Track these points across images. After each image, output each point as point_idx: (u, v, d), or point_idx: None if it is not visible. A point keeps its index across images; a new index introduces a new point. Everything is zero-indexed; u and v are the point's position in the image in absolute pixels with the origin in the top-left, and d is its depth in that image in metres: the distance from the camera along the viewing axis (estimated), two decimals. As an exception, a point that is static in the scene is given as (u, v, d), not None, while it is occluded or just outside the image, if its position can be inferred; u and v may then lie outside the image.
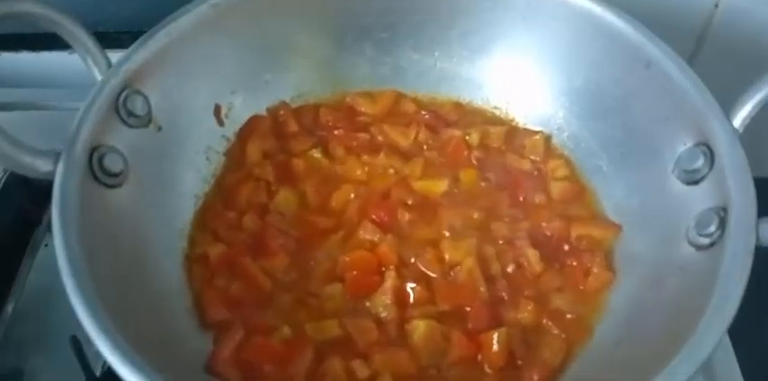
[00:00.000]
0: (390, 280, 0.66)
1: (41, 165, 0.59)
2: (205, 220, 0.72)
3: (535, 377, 0.62)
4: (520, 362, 0.63)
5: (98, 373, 0.67)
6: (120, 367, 0.50)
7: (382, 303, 0.65)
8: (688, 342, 0.51)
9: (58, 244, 0.55)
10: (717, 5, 0.88)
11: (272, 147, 0.76)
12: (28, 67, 0.96)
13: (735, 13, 0.88)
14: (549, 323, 0.66)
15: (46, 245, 0.81)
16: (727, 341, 0.71)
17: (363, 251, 0.69)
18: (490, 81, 0.81)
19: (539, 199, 0.74)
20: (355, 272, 0.67)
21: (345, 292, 0.67)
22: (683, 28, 0.90)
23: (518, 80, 0.80)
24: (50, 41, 0.89)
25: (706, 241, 0.59)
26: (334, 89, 0.82)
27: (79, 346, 0.68)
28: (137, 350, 0.51)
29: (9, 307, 0.74)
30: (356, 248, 0.69)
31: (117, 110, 0.65)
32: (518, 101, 0.81)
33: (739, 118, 0.62)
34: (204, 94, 0.74)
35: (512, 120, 0.81)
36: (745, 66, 0.68)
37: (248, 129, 0.77)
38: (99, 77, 0.66)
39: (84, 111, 0.62)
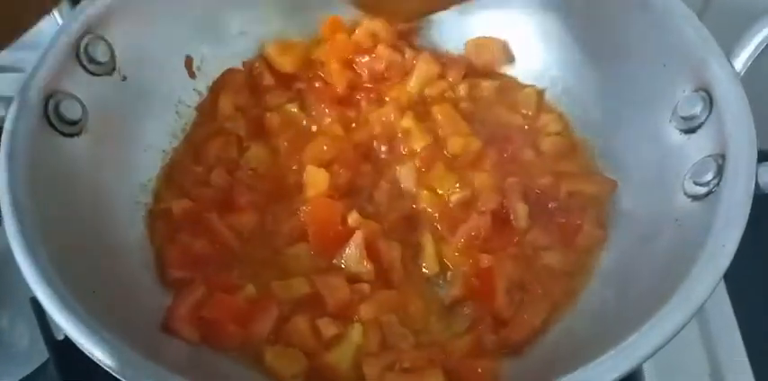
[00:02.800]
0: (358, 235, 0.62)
1: (-9, 108, 0.57)
2: (172, 175, 0.68)
3: (514, 337, 0.59)
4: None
5: (60, 337, 0.64)
6: (63, 320, 0.48)
7: (354, 258, 0.61)
8: (680, 290, 0.48)
9: (2, 188, 0.52)
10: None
11: (246, 102, 0.73)
12: None
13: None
14: (535, 283, 0.62)
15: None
16: (723, 291, 0.68)
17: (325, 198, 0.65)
18: (482, 31, 0.77)
19: (528, 154, 0.70)
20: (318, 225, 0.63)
21: (312, 249, 0.63)
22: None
23: (510, 31, 0.75)
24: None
25: (703, 190, 0.55)
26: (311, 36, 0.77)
27: (39, 307, 0.64)
28: (86, 308, 0.49)
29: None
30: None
31: (77, 56, 0.62)
32: (509, 54, 0.76)
33: (741, 59, 0.58)
34: (173, 44, 0.71)
35: (503, 74, 0.77)
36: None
37: (221, 83, 0.74)
38: (60, 21, 0.63)
39: (42, 56, 0.60)
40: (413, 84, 0.73)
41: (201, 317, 0.58)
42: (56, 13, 0.64)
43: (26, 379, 0.65)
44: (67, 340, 0.61)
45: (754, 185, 0.52)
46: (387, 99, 0.73)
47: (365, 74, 0.73)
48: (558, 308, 0.61)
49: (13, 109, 0.56)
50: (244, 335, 0.58)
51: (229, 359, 0.58)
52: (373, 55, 0.73)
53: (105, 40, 0.64)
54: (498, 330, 0.59)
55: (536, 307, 0.60)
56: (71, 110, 0.60)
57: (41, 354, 0.65)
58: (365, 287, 0.61)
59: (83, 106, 0.61)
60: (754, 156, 0.53)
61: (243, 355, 0.58)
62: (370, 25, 0.73)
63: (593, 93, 0.71)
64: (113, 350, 0.47)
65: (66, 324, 0.48)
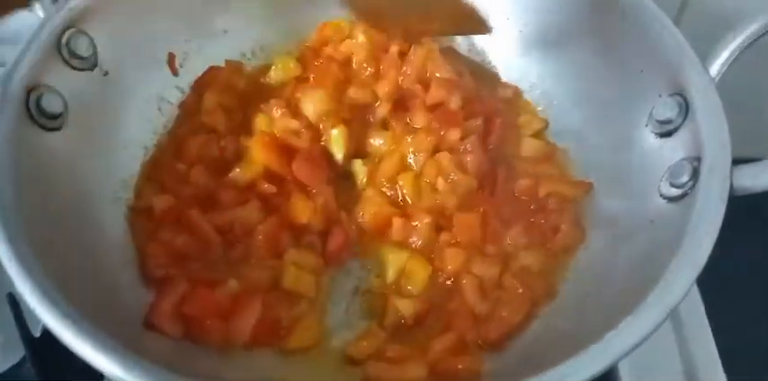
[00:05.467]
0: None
1: (-28, 100, 0.56)
2: (153, 172, 0.68)
3: (492, 334, 0.59)
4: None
5: (37, 334, 0.63)
6: (43, 311, 0.47)
7: None
8: (657, 289, 0.49)
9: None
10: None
11: (231, 100, 0.72)
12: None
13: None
14: (514, 281, 0.62)
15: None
16: (696, 294, 0.69)
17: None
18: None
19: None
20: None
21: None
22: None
23: (490, 36, 0.76)
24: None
25: (678, 192, 0.56)
26: (295, 38, 0.78)
27: (16, 304, 0.64)
28: (68, 300, 0.48)
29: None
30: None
31: (59, 50, 0.62)
32: (489, 55, 0.77)
33: (716, 65, 0.60)
34: (156, 41, 0.71)
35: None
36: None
37: (205, 80, 0.74)
38: (41, 15, 0.62)
39: (23, 49, 0.60)
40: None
41: (184, 313, 0.57)
42: (37, 6, 0.64)
43: (2, 376, 0.65)
44: (44, 337, 0.61)
45: (728, 187, 0.53)
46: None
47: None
48: (536, 305, 0.61)
49: (-7, 101, 0.56)
50: (225, 331, 0.58)
51: (212, 354, 0.58)
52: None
53: (87, 35, 0.64)
54: (477, 327, 0.60)
55: (514, 305, 0.61)
56: (52, 104, 0.59)
57: (18, 351, 0.64)
58: None
59: (64, 100, 0.61)
60: (729, 159, 0.54)
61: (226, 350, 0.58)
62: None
63: (571, 97, 0.72)
64: (96, 343, 0.46)
65: (46, 316, 0.47)
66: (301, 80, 0.74)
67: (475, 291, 0.61)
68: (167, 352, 0.56)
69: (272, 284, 0.62)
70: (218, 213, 0.65)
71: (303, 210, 0.65)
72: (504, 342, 0.59)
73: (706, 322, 0.68)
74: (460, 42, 0.78)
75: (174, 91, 0.73)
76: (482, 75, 0.76)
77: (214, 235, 0.63)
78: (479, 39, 0.77)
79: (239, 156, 0.68)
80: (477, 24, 0.73)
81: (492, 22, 0.76)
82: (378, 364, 0.57)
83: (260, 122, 0.69)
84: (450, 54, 0.76)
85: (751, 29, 0.59)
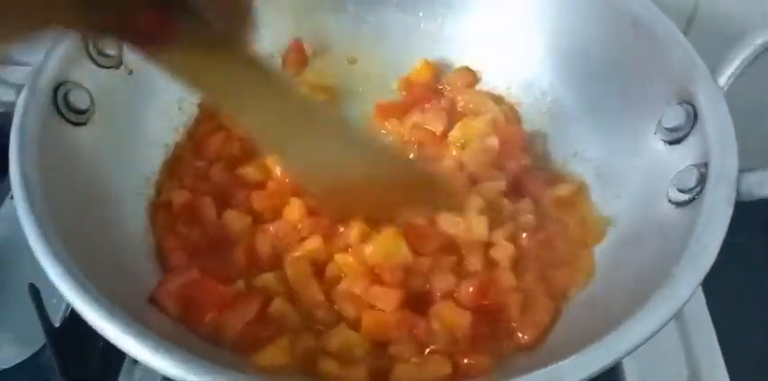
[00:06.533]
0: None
1: (3, 94, 0.58)
2: (174, 169, 0.70)
3: (527, 337, 0.60)
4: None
5: (57, 323, 0.64)
6: (72, 296, 0.49)
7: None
8: (662, 292, 0.50)
9: (13, 168, 0.54)
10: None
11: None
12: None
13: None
14: (539, 288, 0.64)
15: (11, 198, 0.79)
16: (701, 297, 0.70)
17: None
18: (474, 44, 0.80)
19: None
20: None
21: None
22: (672, 8, 0.89)
23: (503, 43, 0.78)
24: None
25: (686, 197, 0.58)
26: (314, 48, 0.80)
27: (38, 294, 0.65)
28: (94, 286, 0.49)
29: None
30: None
31: (86, 48, 0.64)
32: (503, 65, 0.79)
33: (724, 76, 0.61)
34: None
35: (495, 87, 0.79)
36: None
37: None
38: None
39: (53, 45, 0.62)
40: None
41: (187, 296, 0.59)
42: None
43: (22, 365, 0.67)
44: (63, 327, 0.63)
45: (735, 192, 0.54)
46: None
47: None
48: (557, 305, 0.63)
49: (23, 95, 0.58)
50: (218, 322, 0.59)
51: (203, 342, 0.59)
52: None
53: (114, 34, 0.66)
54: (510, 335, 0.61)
55: (541, 306, 0.62)
56: (80, 100, 0.62)
57: (38, 340, 0.66)
58: None
59: (91, 96, 0.63)
60: (735, 165, 0.55)
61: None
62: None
63: (582, 104, 0.74)
64: (120, 323, 0.47)
65: (73, 297, 0.49)
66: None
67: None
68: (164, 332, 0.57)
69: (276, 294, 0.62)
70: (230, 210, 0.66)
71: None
72: (537, 344, 0.60)
73: (710, 324, 0.70)
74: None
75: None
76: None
77: (216, 227, 0.65)
78: (495, 50, 0.79)
79: (257, 155, 0.70)
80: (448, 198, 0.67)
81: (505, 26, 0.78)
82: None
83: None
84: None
85: (759, 41, 0.60)
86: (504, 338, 0.61)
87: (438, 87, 0.79)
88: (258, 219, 0.66)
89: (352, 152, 0.61)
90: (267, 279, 0.62)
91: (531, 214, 0.68)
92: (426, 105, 0.75)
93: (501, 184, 0.68)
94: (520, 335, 0.60)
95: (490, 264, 0.64)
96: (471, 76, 0.80)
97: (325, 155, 0.60)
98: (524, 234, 0.66)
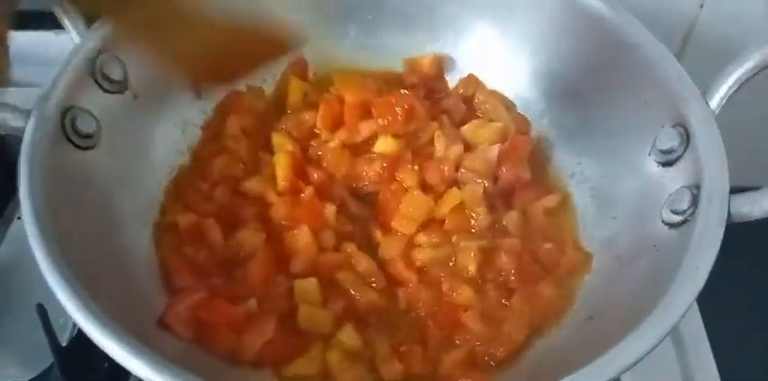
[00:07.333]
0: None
1: (12, 120, 0.60)
2: (178, 190, 0.71)
3: (500, 352, 0.62)
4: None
5: (64, 343, 0.66)
6: (73, 309, 0.50)
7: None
8: (658, 308, 0.51)
9: (23, 193, 0.55)
10: (702, 6, 0.89)
11: (252, 123, 0.76)
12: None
13: (719, 13, 0.89)
14: (523, 303, 0.65)
15: (18, 218, 0.81)
16: (697, 314, 0.72)
17: None
18: (472, 66, 0.81)
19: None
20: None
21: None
22: (668, 28, 0.91)
23: (500, 66, 0.80)
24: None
25: (679, 218, 0.59)
26: (314, 70, 0.82)
27: (45, 314, 0.67)
28: (100, 307, 0.50)
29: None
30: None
31: (93, 73, 0.65)
32: (500, 86, 0.80)
33: (716, 98, 0.63)
34: (181, 66, 0.74)
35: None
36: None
37: (227, 105, 0.77)
38: (77, 40, 0.66)
39: (60, 71, 0.63)
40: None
41: (198, 318, 0.60)
42: (72, 31, 0.67)
43: (31, 385, 0.68)
44: (71, 345, 0.64)
45: (726, 214, 0.56)
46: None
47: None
48: (543, 325, 0.64)
49: (32, 120, 0.59)
50: (234, 344, 0.60)
51: (219, 361, 0.60)
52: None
53: (120, 60, 0.67)
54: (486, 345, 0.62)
55: (518, 324, 0.63)
56: (87, 124, 0.63)
57: (44, 361, 0.67)
58: None
59: (97, 121, 0.64)
60: (727, 187, 0.57)
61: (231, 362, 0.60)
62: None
63: (578, 125, 0.75)
64: (124, 343, 0.48)
65: (80, 319, 0.49)
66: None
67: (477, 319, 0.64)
68: (177, 354, 0.58)
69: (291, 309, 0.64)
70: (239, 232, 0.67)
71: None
72: (511, 360, 0.62)
73: (705, 336, 0.71)
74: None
75: (198, 113, 0.76)
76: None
77: (223, 247, 0.66)
78: (494, 71, 0.80)
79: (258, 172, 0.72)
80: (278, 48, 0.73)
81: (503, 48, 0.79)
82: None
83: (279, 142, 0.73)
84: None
85: (748, 64, 0.61)
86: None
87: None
88: (272, 234, 0.68)
89: None
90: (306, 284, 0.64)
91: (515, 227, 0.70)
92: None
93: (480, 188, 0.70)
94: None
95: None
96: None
97: None
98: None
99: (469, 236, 0.68)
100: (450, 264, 0.67)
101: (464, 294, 0.65)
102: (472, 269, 0.66)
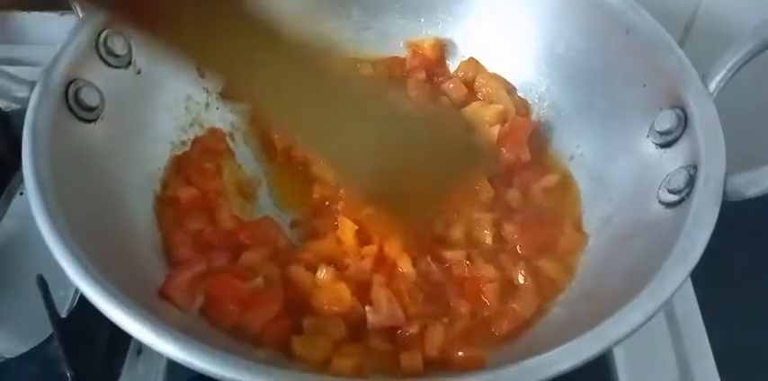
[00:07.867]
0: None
1: (17, 90, 0.60)
2: (180, 167, 0.72)
3: (504, 327, 0.63)
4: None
5: (63, 314, 0.66)
6: (78, 279, 0.50)
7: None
8: (653, 282, 0.52)
9: (26, 163, 0.55)
10: (702, -4, 0.89)
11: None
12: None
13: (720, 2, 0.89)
14: (529, 279, 0.66)
15: (21, 193, 0.81)
16: (691, 293, 0.72)
17: None
18: (473, 49, 0.82)
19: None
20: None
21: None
22: (671, 14, 0.91)
23: (502, 49, 0.80)
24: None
25: (675, 198, 0.60)
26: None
27: (45, 286, 0.67)
28: (103, 276, 0.51)
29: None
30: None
31: (96, 48, 0.66)
32: (501, 70, 0.81)
33: (714, 81, 0.63)
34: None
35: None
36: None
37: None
38: (80, 14, 0.66)
39: (64, 45, 0.64)
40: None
41: (203, 291, 0.61)
42: (75, 4, 0.68)
43: (29, 354, 0.68)
44: (70, 317, 0.65)
45: (722, 193, 0.56)
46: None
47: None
48: (543, 303, 0.65)
49: (36, 91, 0.60)
50: (240, 318, 0.60)
51: (224, 335, 0.60)
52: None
53: (123, 35, 0.67)
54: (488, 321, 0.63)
55: (526, 301, 0.64)
56: (90, 97, 0.63)
57: (44, 333, 0.68)
58: None
59: (100, 94, 0.64)
60: (723, 167, 0.58)
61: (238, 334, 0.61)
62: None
63: (577, 108, 0.76)
64: (129, 310, 0.49)
65: (82, 284, 0.50)
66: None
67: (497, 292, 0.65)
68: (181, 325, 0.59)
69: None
70: None
71: None
72: (513, 337, 0.63)
73: (701, 321, 0.72)
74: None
75: (201, 91, 0.77)
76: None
77: (236, 229, 0.67)
78: (495, 55, 0.81)
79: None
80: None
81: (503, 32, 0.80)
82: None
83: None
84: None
85: (746, 48, 0.62)
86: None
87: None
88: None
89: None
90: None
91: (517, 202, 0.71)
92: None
93: None
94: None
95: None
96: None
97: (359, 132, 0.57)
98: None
99: (481, 208, 0.70)
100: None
101: (484, 267, 0.66)
102: (489, 240, 0.67)
